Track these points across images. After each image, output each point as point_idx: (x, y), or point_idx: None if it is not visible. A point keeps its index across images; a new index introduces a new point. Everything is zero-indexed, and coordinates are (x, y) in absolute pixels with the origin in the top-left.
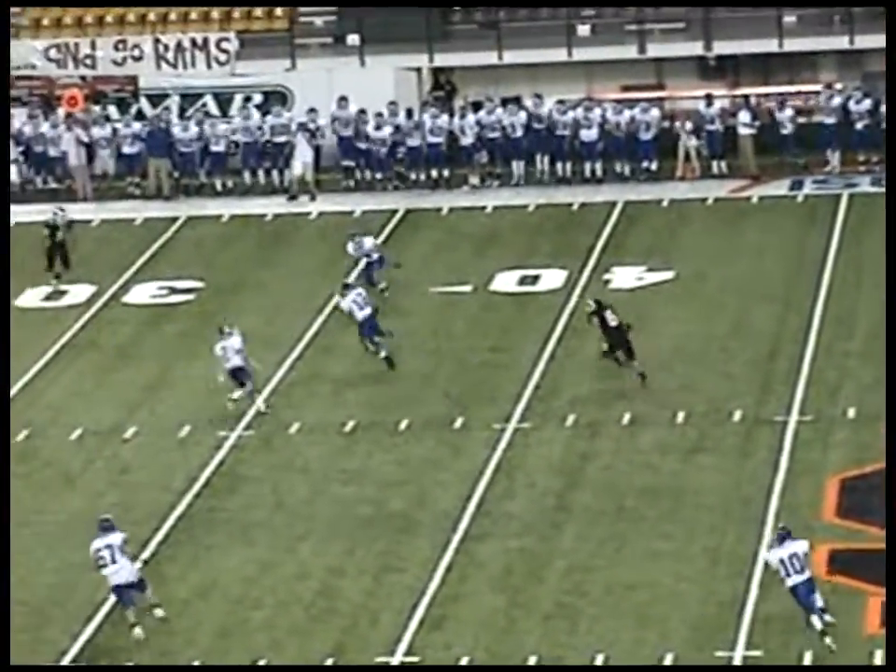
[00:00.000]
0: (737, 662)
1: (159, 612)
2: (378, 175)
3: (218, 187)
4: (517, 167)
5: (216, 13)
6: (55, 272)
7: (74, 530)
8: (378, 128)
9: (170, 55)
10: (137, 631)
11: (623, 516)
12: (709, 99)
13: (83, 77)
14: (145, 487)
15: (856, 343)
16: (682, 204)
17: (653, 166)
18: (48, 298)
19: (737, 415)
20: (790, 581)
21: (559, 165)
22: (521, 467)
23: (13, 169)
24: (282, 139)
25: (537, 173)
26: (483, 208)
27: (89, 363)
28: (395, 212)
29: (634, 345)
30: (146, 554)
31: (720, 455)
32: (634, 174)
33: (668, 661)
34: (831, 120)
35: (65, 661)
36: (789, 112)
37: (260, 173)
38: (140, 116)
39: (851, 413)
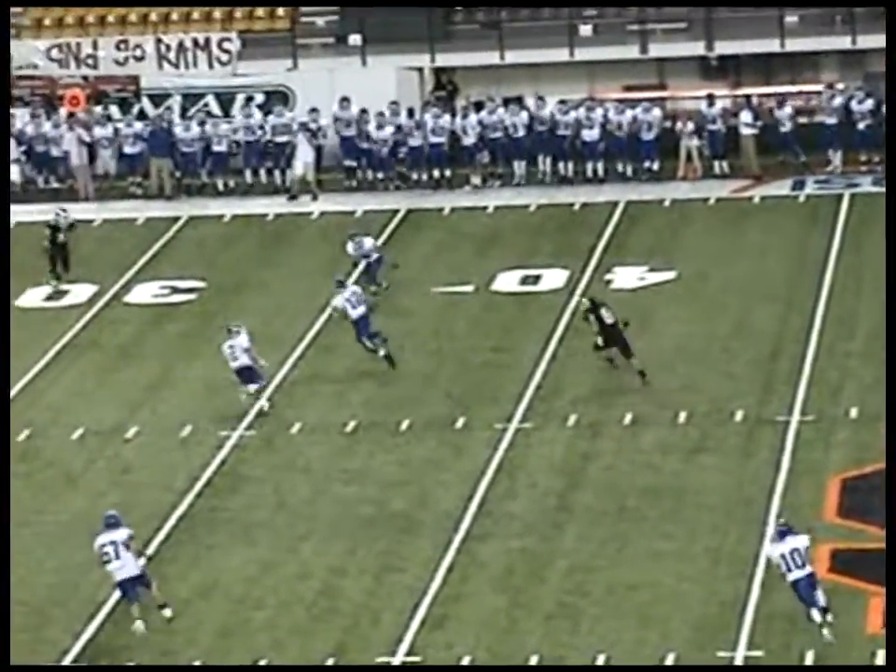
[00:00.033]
0: (739, 662)
1: (167, 612)
2: (380, 175)
3: (220, 186)
4: (519, 167)
5: (217, 13)
6: (56, 273)
7: (75, 530)
8: (380, 127)
9: (172, 55)
10: (139, 624)
11: (625, 516)
12: (711, 99)
13: (85, 77)
14: (146, 487)
15: (858, 343)
16: (684, 204)
17: (655, 166)
18: (49, 298)
19: (739, 415)
20: (791, 576)
21: (561, 165)
22: (522, 467)
23: (15, 169)
24: (283, 139)
25: (538, 173)
26: (485, 208)
27: (90, 363)
28: (396, 212)
29: (631, 343)
30: (148, 552)
31: (721, 455)
32: (636, 174)
33: (670, 661)
34: (832, 121)
35: (67, 660)
36: (788, 110)
37: (262, 172)
38: (142, 116)
39: (853, 413)
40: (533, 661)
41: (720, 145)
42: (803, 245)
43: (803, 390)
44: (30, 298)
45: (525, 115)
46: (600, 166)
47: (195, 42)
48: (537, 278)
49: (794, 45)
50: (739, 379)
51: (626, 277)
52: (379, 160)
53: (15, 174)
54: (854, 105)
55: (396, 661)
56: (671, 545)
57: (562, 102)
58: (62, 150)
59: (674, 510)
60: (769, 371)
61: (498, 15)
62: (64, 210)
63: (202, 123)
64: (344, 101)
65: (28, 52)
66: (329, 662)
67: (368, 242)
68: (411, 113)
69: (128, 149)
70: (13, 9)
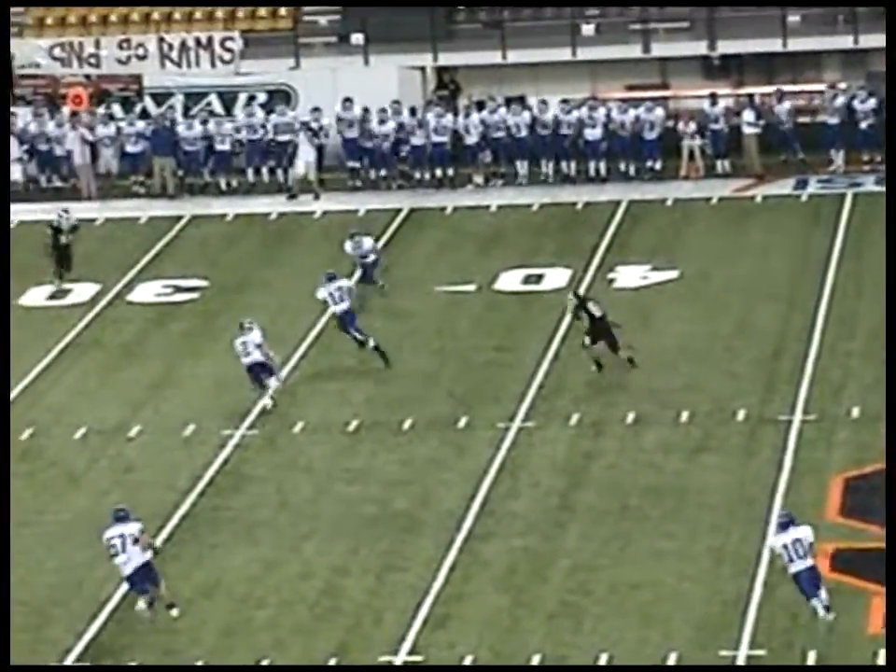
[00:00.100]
0: (741, 661)
1: (174, 612)
2: (382, 173)
3: (223, 186)
4: (521, 167)
5: (220, 12)
6: (59, 273)
7: (77, 529)
8: (382, 122)
9: (174, 54)
10: (141, 604)
11: (627, 515)
12: (714, 98)
13: (87, 76)
14: (149, 486)
15: (860, 342)
16: (686, 204)
17: (657, 165)
18: (52, 297)
19: (741, 415)
20: (792, 568)
21: (563, 164)
22: (525, 466)
23: (18, 168)
24: (285, 138)
25: (541, 172)
26: (488, 207)
27: (93, 362)
28: (399, 211)
29: (618, 336)
30: (149, 554)
31: (723, 455)
32: (638, 173)
33: (672, 660)
34: (834, 121)
35: (69, 660)
36: (787, 105)
37: (264, 171)
38: (144, 115)
39: (855, 412)
40: (535, 660)
41: (722, 144)
42: (805, 245)
43: (805, 389)
44: (32, 297)
45: (527, 115)
46: (603, 165)
47: (198, 41)
48: (539, 277)
49: (797, 44)
50: (741, 378)
51: (629, 276)
52: (381, 156)
53: (18, 173)
54: (857, 104)
55: (398, 660)
56: (673, 544)
57: (564, 101)
58: (64, 149)
59: (676, 509)
60: (771, 370)
61: (501, 14)
62: (67, 211)
63: (204, 122)
64: (347, 101)
65: (31, 51)
66: (332, 661)
67: (367, 242)
68: (413, 112)
69: (130, 148)
70: (16, 9)
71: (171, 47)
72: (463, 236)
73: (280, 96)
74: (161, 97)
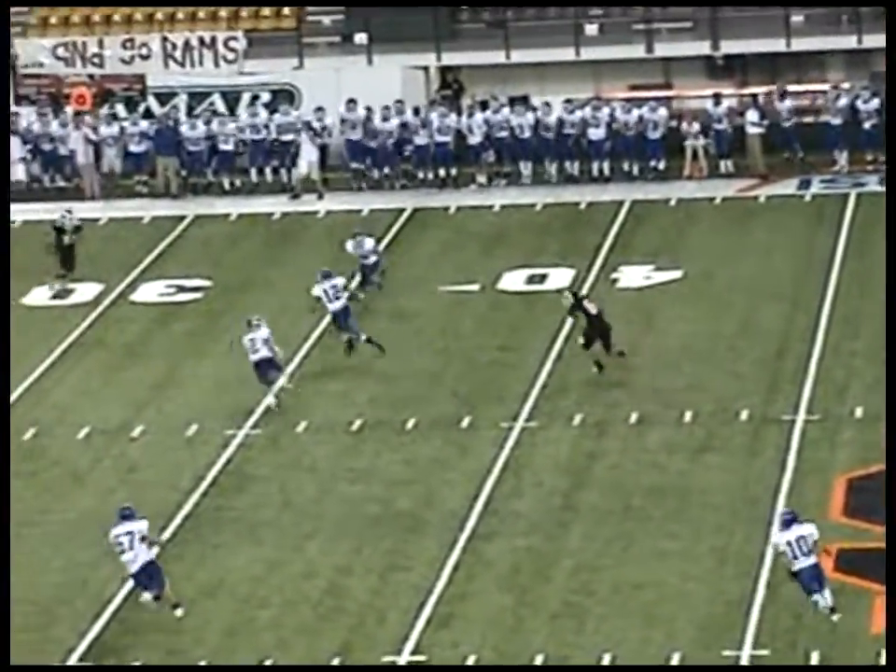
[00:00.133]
0: (744, 661)
1: (178, 612)
2: (386, 171)
3: (226, 185)
4: (525, 168)
5: (224, 12)
6: (59, 273)
7: (81, 529)
8: (385, 119)
9: (178, 54)
10: (146, 596)
11: (630, 515)
12: (717, 98)
13: (91, 76)
14: (152, 486)
15: (863, 342)
16: (690, 204)
17: (661, 165)
18: (55, 296)
19: (745, 415)
20: (796, 564)
21: (567, 164)
22: (528, 466)
23: (21, 167)
24: (289, 138)
25: (544, 172)
26: (491, 207)
27: (96, 362)
28: (402, 211)
29: (611, 335)
30: (154, 552)
31: (727, 455)
32: (641, 173)
33: (675, 660)
34: (837, 121)
35: (73, 659)
36: (788, 103)
37: (268, 171)
38: (148, 114)
39: (859, 412)
40: (538, 660)
41: (726, 144)
42: (809, 245)
43: (808, 389)
44: (36, 296)
45: (530, 116)
46: (606, 165)
47: (201, 41)
48: (543, 277)
49: (800, 44)
50: (745, 378)
51: (632, 276)
52: (384, 154)
53: (21, 172)
54: (860, 104)
55: (401, 660)
56: (676, 544)
57: (568, 101)
58: (68, 149)
59: (679, 509)
60: (775, 370)
61: (504, 14)
62: (70, 212)
63: (208, 122)
64: (351, 103)
65: (34, 51)
66: (335, 661)
67: (368, 243)
68: (417, 111)
69: (134, 148)
70: (20, 8)
71: (174, 46)
72: (466, 236)
73: (283, 96)
74: (164, 97)
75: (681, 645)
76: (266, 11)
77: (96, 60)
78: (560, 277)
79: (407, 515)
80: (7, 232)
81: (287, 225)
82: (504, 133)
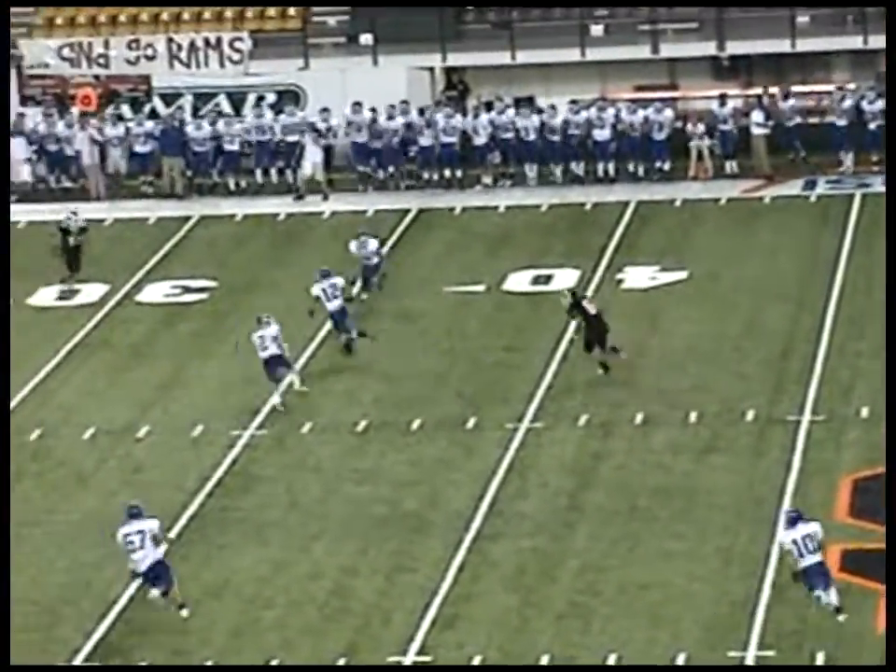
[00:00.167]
0: (750, 662)
1: (184, 612)
2: (390, 170)
3: (231, 186)
4: (530, 170)
5: (229, 13)
6: (65, 275)
7: (86, 529)
8: (390, 118)
9: (183, 54)
10: (154, 592)
11: (636, 516)
12: (722, 99)
13: (97, 77)
14: (158, 486)
15: (868, 342)
16: (695, 204)
17: (666, 166)
18: (61, 297)
19: (750, 415)
20: (802, 563)
21: (572, 165)
22: (533, 466)
23: (26, 168)
24: (294, 138)
25: (550, 173)
26: (496, 208)
27: (102, 362)
28: (408, 211)
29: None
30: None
31: (732, 455)
32: (647, 173)
33: (681, 661)
34: (842, 122)
35: (78, 660)
36: (791, 102)
37: (273, 172)
38: (153, 115)
39: (864, 412)
40: (544, 660)
41: (731, 145)
42: (814, 245)
43: (814, 390)
44: (41, 297)
45: (535, 118)
46: (611, 166)
47: (206, 41)
48: (548, 278)
49: (806, 45)
50: (750, 379)
51: (637, 277)
52: (389, 154)
53: (26, 173)
54: (865, 105)
55: (407, 661)
56: (682, 545)
57: (573, 102)
58: (73, 150)
59: (685, 509)
60: (780, 370)
61: (509, 15)
62: (75, 213)
63: (213, 122)
64: (356, 105)
65: (40, 52)
66: (341, 662)
67: (372, 244)
68: (422, 112)
69: (139, 148)
70: (25, 9)
71: (180, 47)
72: (472, 237)
73: (289, 97)
74: (169, 97)
75: (687, 645)
76: (271, 12)
77: (101, 60)
78: (565, 278)
79: (412, 516)
80: (7, 233)
81: (293, 226)
82: (509, 135)
